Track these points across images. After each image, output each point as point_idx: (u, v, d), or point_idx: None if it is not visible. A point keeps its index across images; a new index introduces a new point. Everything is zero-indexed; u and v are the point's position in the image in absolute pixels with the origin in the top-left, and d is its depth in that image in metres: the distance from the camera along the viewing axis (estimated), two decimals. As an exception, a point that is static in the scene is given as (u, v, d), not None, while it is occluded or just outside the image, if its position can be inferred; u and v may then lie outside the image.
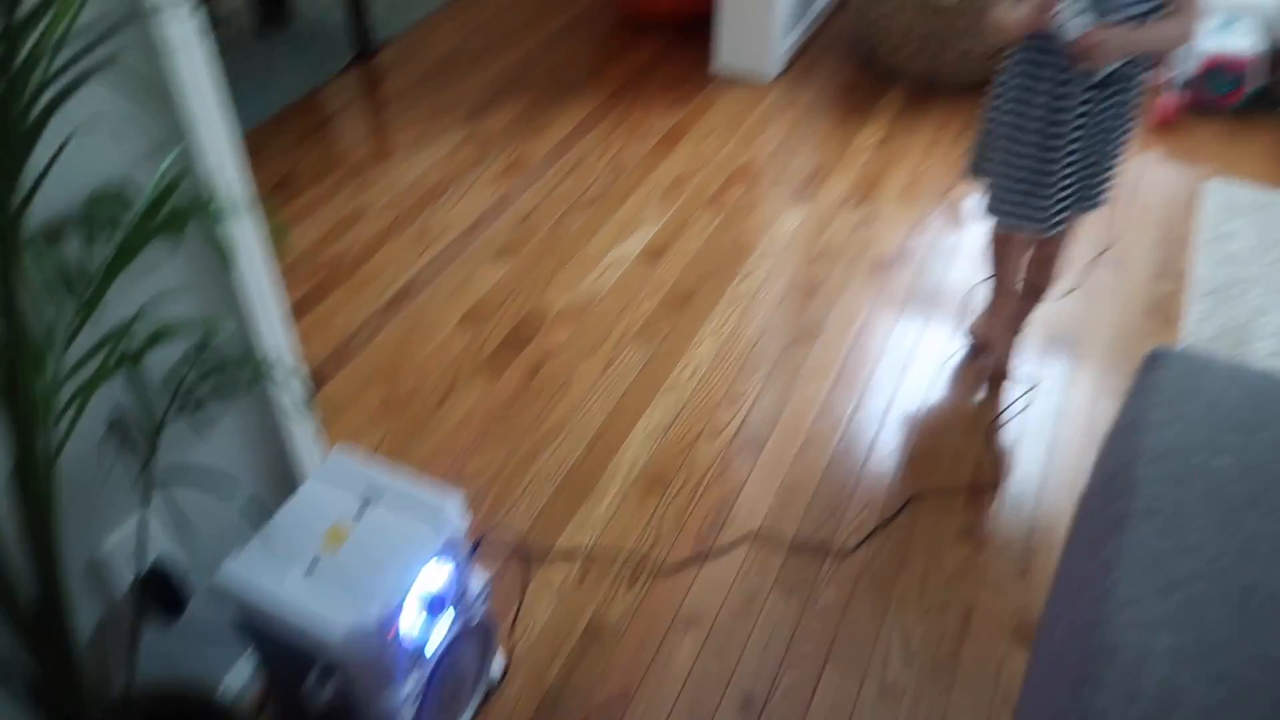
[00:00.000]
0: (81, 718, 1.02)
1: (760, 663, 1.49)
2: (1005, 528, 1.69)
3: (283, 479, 1.42)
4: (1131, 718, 0.72)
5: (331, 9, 3.24)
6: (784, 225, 2.36)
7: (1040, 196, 1.68)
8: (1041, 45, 1.56)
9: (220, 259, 1.15)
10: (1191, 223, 2.35)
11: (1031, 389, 1.93)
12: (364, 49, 3.00)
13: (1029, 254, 1.87)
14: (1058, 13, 1.46)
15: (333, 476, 1.31)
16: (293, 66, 2.96)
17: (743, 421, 1.87)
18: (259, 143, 2.63)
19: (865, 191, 2.47)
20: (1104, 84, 1.56)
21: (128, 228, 1.00)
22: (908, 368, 1.99)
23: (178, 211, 1.03)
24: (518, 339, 2.05)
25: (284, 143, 2.64)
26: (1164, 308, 2.13)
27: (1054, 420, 1.88)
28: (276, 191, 2.46)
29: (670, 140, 2.66)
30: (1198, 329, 2.03)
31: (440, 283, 2.19)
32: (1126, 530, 0.88)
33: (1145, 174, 2.53)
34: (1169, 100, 2.68)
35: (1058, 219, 1.70)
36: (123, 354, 0.99)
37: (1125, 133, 1.65)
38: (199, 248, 1.18)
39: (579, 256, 2.26)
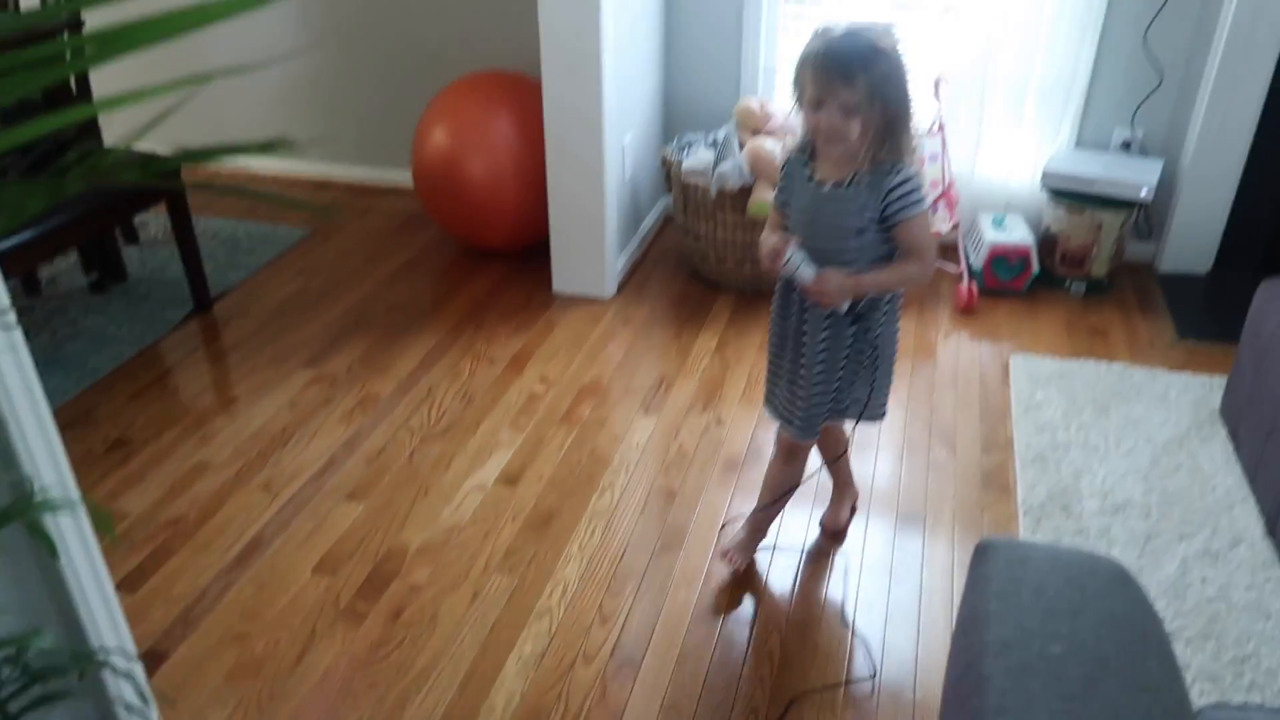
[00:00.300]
0: None
1: None
2: (888, 718, 1.69)
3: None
4: None
5: (168, 263, 3.25)
6: (636, 436, 2.42)
7: (795, 405, 1.84)
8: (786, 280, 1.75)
9: (44, 553, 1.08)
10: (1006, 395, 2.56)
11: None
12: (201, 301, 3.00)
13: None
14: (787, 260, 1.64)
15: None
16: (128, 322, 2.91)
17: (617, 640, 1.84)
18: (93, 403, 2.54)
19: (709, 396, 2.58)
20: (846, 315, 1.72)
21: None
22: (773, 562, 2.03)
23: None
24: (377, 582, 1.97)
25: (120, 401, 2.55)
26: (997, 478, 2.27)
27: (916, 600, 1.93)
28: (112, 452, 2.36)
29: (518, 363, 2.72)
30: (1030, 496, 2.17)
31: (291, 532, 2.11)
32: None
33: (960, 354, 2.76)
34: (965, 288, 2.97)
35: (812, 426, 1.85)
36: None
37: (878, 356, 1.78)
38: (14, 543, 1.11)
39: (436, 488, 2.24)
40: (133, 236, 3.41)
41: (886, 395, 1.88)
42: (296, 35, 3.70)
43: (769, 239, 1.72)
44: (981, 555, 1.07)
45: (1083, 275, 3.04)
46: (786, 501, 2.01)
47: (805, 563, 2.04)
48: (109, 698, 1.23)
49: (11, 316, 1.07)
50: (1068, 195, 2.98)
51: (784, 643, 1.84)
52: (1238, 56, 2.81)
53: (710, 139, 3.10)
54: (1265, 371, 2.15)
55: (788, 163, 1.74)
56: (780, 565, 2.03)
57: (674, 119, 3.45)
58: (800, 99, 1.61)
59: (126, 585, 1.96)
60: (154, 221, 3.51)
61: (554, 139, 2.89)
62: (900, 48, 1.57)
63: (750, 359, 2.74)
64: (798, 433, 1.86)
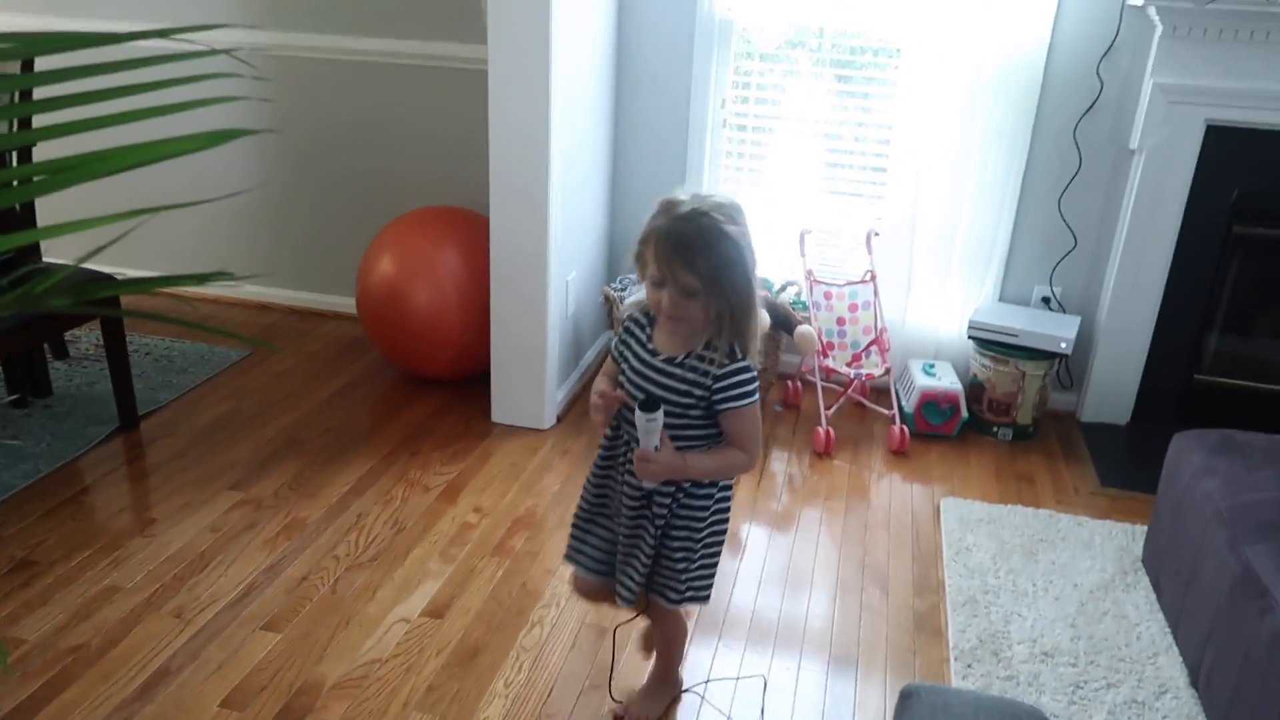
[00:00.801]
0: None
1: None
2: None
3: None
4: None
5: (96, 379, 3.18)
6: (569, 569, 2.37)
7: (587, 543, 1.83)
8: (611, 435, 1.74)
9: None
10: (938, 537, 2.58)
11: None
12: (127, 419, 2.92)
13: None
14: (651, 418, 1.55)
15: None
16: (48, 438, 2.82)
17: (540, 785, 1.76)
18: (1, 520, 2.43)
19: (644, 530, 2.56)
20: (654, 494, 1.67)
21: None
22: (702, 705, 1.98)
23: None
24: (288, 719, 1.87)
25: (30, 519, 2.44)
26: (929, 621, 2.27)
27: (848, 745, 1.89)
28: (15, 573, 2.24)
29: (452, 492, 2.68)
30: (960, 640, 2.17)
31: (200, 662, 2.00)
32: None
33: (893, 495, 2.80)
34: (897, 430, 3.04)
35: (629, 590, 1.74)
36: None
37: (685, 539, 1.71)
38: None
39: (358, 619, 2.16)
40: (62, 352, 3.34)
41: (700, 580, 1.77)
42: (247, 161, 3.77)
43: (600, 384, 1.72)
44: (906, 702, 1.07)
45: (1009, 422, 3.14)
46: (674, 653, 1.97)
47: (736, 700, 1.99)
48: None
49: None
50: (993, 345, 3.11)
51: (713, 790, 1.78)
52: (1144, 222, 3.01)
53: (652, 278, 3.18)
54: (1181, 522, 2.21)
55: (629, 319, 1.72)
56: (710, 707, 1.98)
57: (617, 258, 3.55)
58: (642, 273, 1.59)
59: (16, 717, 1.83)
60: (85, 336, 3.45)
61: (499, 274, 2.95)
62: (746, 230, 1.55)
63: (686, 494, 2.74)
64: (620, 597, 1.76)
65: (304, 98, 3.63)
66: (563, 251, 3.01)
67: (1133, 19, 2.96)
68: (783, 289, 3.24)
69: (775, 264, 3.37)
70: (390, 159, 3.65)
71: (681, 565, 1.72)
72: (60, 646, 2.02)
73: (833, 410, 3.10)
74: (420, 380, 3.33)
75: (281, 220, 3.84)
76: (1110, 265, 3.12)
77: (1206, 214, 2.99)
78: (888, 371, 3.14)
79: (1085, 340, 3.23)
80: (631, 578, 1.73)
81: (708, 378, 1.59)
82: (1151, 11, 2.80)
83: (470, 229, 3.20)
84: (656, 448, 1.59)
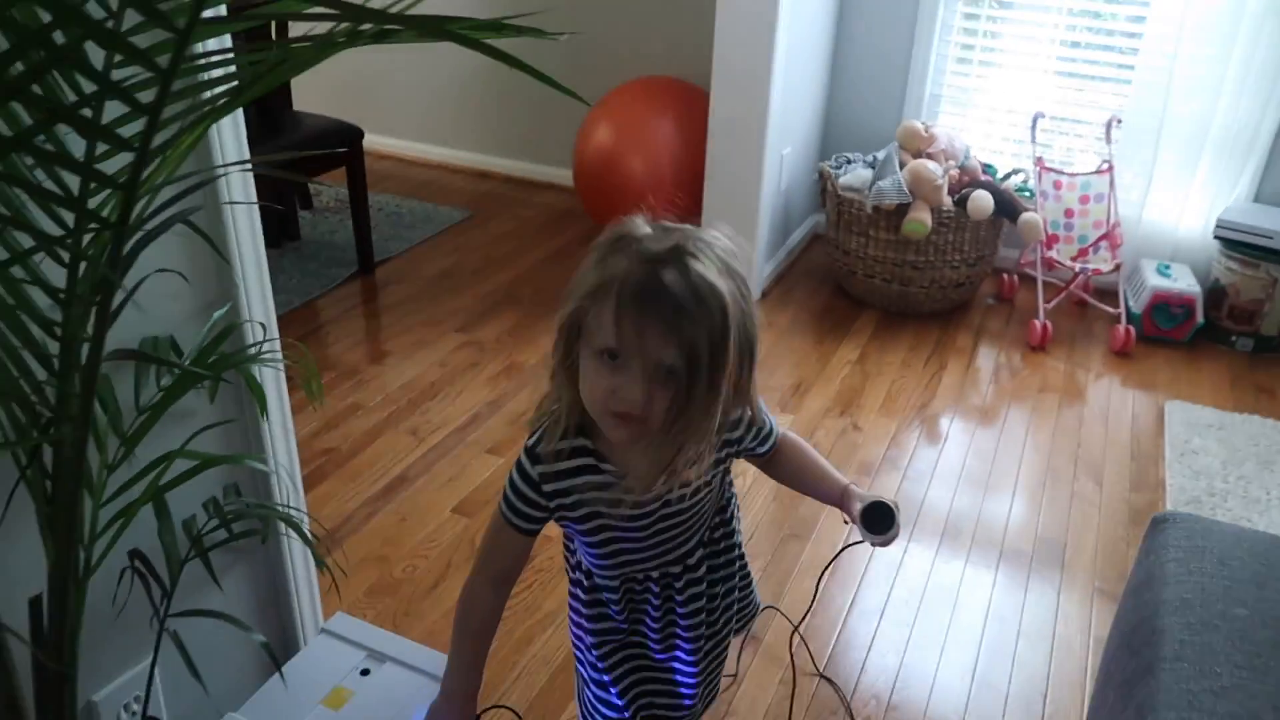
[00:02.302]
0: None
1: None
2: (1013, 728, 1.64)
3: (284, 639, 1.36)
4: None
5: (336, 229, 3.44)
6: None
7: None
8: None
9: (256, 403, 1.17)
10: (1159, 440, 2.46)
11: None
12: (365, 265, 3.16)
13: None
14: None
15: (334, 640, 1.27)
16: (297, 276, 3.10)
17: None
18: (259, 342, 2.70)
19: (847, 403, 2.57)
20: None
21: (176, 371, 1.03)
22: (887, 604, 2.00)
23: (224, 358, 1.07)
24: (510, 530, 2.03)
25: (283, 342, 2.71)
26: (1146, 517, 2.18)
27: (1052, 623, 1.87)
28: (273, 387, 2.50)
29: (658, 352, 2.77)
30: (1179, 536, 2.07)
31: (433, 474, 2.19)
32: (1158, 674, 0.88)
33: (1111, 396, 2.67)
34: (1122, 330, 2.88)
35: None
36: (158, 486, 0.99)
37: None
38: (231, 396, 1.21)
39: (571, 454, 2.29)
40: (307, 203, 3.63)
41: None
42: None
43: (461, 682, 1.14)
44: (1159, 526, 1.05)
45: (1251, 331, 2.90)
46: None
47: (926, 598, 2.00)
48: (283, 565, 1.31)
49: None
50: (1242, 247, 2.86)
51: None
52: None
53: (869, 159, 3.11)
54: None
55: (558, 491, 1.07)
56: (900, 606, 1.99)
57: (832, 138, 3.48)
58: (567, 350, 0.99)
59: (280, 501, 2.08)
60: (326, 191, 3.73)
61: (716, 146, 2.95)
62: (746, 282, 0.97)
63: (892, 374, 2.72)
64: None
65: (533, -33, 3.70)
66: (780, 126, 2.97)
67: None
68: (1008, 177, 3.09)
69: (1002, 150, 3.20)
70: (610, 31, 3.68)
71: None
72: (315, 448, 2.26)
73: (1052, 304, 2.96)
74: (629, 249, 3.41)
75: (504, 88, 3.96)
76: (1395, 166, 2.79)
77: None
78: (1117, 268, 2.95)
79: (1352, 250, 2.92)
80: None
81: (735, 442, 1.13)
82: None
83: (688, 100, 3.21)
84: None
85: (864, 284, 3.06)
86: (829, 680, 1.71)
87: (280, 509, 1.20)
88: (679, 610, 1.16)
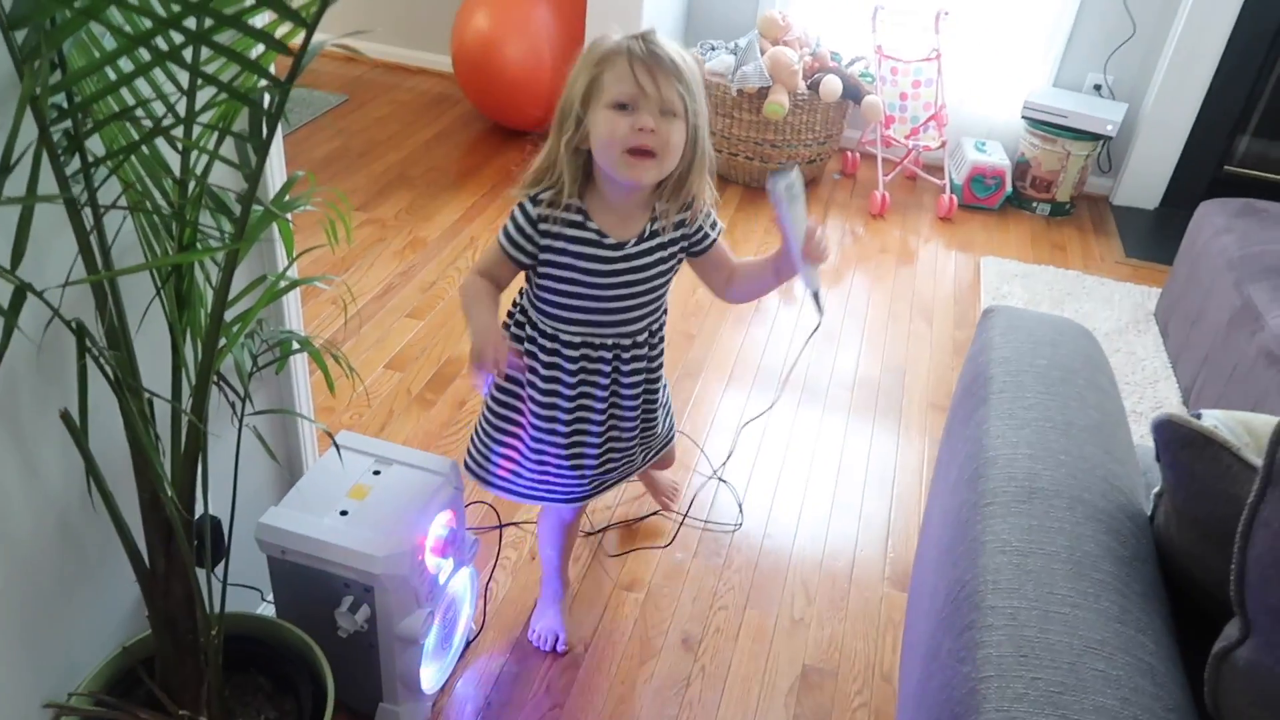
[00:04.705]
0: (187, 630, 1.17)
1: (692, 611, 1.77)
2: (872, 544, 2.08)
3: (293, 456, 1.61)
4: (1010, 491, 1.08)
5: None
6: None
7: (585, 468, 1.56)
8: None
9: (286, 250, 1.38)
10: (977, 287, 2.94)
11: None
12: (253, 147, 3.22)
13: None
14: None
15: (344, 450, 1.52)
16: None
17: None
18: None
19: (721, 265, 2.92)
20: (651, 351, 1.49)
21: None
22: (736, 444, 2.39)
23: (289, 201, 1.28)
24: (441, 380, 2.29)
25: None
26: (966, 348, 2.65)
27: (897, 427, 2.32)
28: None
29: (549, 226, 3.02)
30: (992, 360, 2.56)
31: (360, 336, 2.41)
32: (989, 402, 1.26)
33: (938, 254, 3.14)
34: (946, 199, 3.34)
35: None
36: (270, 295, 1.20)
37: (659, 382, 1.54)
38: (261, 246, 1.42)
39: (484, 316, 2.55)
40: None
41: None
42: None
43: (488, 329, 1.34)
44: (988, 315, 1.44)
45: (1049, 199, 3.43)
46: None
47: (766, 437, 2.40)
48: (293, 385, 1.55)
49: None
50: (1043, 125, 3.36)
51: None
52: (1201, 16, 3.19)
53: (731, 45, 3.40)
54: (1195, 275, 2.55)
55: (541, 217, 1.33)
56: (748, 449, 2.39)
57: (696, 26, 3.74)
58: (584, 110, 1.26)
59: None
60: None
61: (593, 31, 3.16)
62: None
63: (756, 241, 3.08)
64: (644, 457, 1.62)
65: None
66: (653, 14, 3.21)
67: None
68: (851, 63, 3.46)
69: (846, 39, 3.56)
70: (479, -85, 3.76)
71: (666, 402, 1.61)
72: (245, 317, 2.42)
73: (889, 178, 3.39)
74: (509, 132, 3.60)
75: (371, -27, 3.99)
76: (1163, 56, 3.32)
77: (1263, 11, 3.16)
78: (943, 145, 3.40)
79: (1128, 128, 3.48)
80: (654, 434, 1.59)
81: (690, 227, 1.38)
82: None
83: (564, -13, 3.38)
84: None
85: (728, 161, 3.39)
86: (724, 481, 2.09)
87: (302, 336, 1.43)
88: (623, 380, 1.44)
